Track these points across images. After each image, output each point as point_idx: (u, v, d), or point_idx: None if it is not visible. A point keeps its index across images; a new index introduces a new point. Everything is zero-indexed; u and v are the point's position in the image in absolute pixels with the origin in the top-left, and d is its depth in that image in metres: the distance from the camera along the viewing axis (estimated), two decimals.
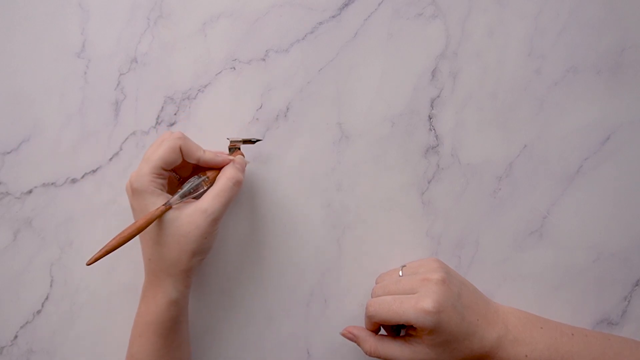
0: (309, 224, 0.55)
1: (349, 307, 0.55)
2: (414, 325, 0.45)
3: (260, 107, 0.54)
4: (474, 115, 0.54)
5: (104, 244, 0.54)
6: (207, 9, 0.54)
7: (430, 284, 0.46)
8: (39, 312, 0.55)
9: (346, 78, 0.54)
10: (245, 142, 0.52)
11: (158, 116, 0.55)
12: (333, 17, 0.54)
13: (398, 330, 0.51)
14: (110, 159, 0.55)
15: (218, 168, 0.50)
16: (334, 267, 0.55)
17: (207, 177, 0.49)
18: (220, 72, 0.54)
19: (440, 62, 0.54)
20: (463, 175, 0.54)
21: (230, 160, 0.50)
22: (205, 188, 0.49)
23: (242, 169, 0.50)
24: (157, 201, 0.47)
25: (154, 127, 0.55)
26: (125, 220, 0.55)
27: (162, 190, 0.48)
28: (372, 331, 0.50)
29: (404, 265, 0.51)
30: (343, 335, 0.51)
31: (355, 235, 0.55)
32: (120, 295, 0.55)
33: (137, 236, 0.48)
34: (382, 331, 0.51)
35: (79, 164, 0.55)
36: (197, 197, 0.48)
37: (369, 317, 0.49)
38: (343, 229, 0.55)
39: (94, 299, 0.55)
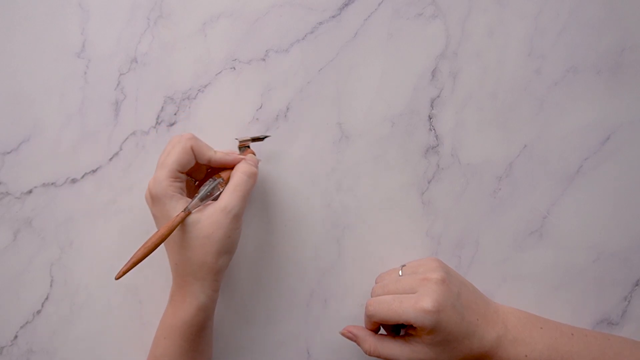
0: (309, 224, 0.55)
1: (349, 307, 0.55)
2: (414, 325, 0.45)
3: (260, 107, 0.54)
4: (474, 115, 0.54)
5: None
6: (207, 9, 0.54)
7: (430, 283, 0.46)
8: (39, 312, 0.55)
9: (346, 78, 0.54)
10: (254, 139, 0.52)
11: (158, 116, 0.55)
12: (333, 17, 0.54)
13: (398, 330, 0.51)
14: (110, 159, 0.55)
15: (231, 168, 0.50)
16: (334, 267, 0.55)
17: (222, 179, 0.49)
18: (220, 72, 0.54)
19: (440, 62, 0.54)
20: (463, 175, 0.54)
21: (242, 159, 0.50)
22: (221, 189, 0.49)
23: (255, 164, 0.50)
24: (177, 206, 0.47)
25: (154, 127, 0.55)
26: (125, 221, 0.55)
27: (181, 194, 0.48)
28: (372, 331, 0.50)
29: (404, 265, 0.51)
30: (343, 334, 0.51)
31: (355, 235, 0.55)
32: (120, 295, 0.55)
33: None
34: (382, 331, 0.51)
35: (79, 164, 0.55)
36: (216, 199, 0.48)
37: (368, 317, 0.49)
38: (343, 229, 0.55)
39: (94, 299, 0.55)
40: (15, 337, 0.55)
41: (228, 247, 0.47)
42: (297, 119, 0.54)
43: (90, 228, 0.55)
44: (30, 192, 0.55)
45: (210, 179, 0.49)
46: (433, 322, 0.45)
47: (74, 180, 0.55)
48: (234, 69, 0.54)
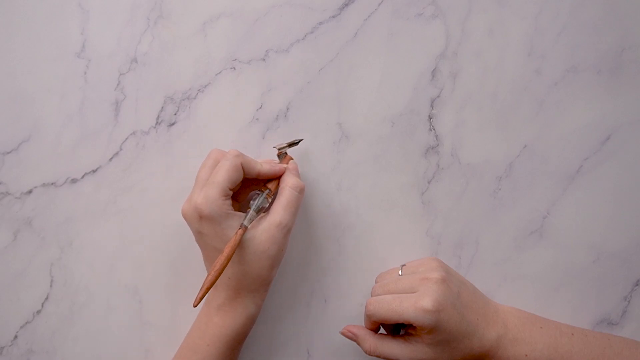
0: (309, 223, 0.55)
1: (349, 307, 0.55)
2: (414, 324, 0.45)
3: (260, 107, 0.54)
4: (474, 115, 0.54)
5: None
6: (207, 9, 0.54)
7: (430, 282, 0.46)
8: (39, 312, 0.55)
9: (346, 78, 0.54)
10: (291, 145, 0.52)
11: (158, 116, 0.55)
12: (333, 17, 0.54)
13: (398, 330, 0.51)
14: (110, 159, 0.55)
15: (275, 178, 0.50)
16: (334, 267, 0.55)
17: (270, 189, 0.50)
18: (220, 72, 0.54)
19: (440, 62, 0.54)
20: (463, 175, 0.54)
21: (285, 167, 0.51)
22: (270, 200, 0.49)
23: (298, 173, 0.51)
24: (233, 224, 0.47)
25: (154, 127, 0.55)
26: (125, 221, 0.55)
27: (232, 210, 0.48)
28: (372, 330, 0.51)
29: (404, 265, 0.51)
30: (343, 334, 0.51)
31: (355, 235, 0.55)
32: (120, 295, 0.55)
33: (198, 246, 0.50)
34: (382, 330, 0.51)
35: (79, 164, 0.55)
36: (266, 211, 0.49)
37: (368, 316, 0.49)
38: (343, 229, 0.55)
39: (94, 299, 0.55)
40: (15, 337, 0.55)
41: (280, 260, 0.49)
42: (297, 119, 0.54)
43: (90, 228, 0.55)
44: (30, 192, 0.55)
45: (258, 191, 0.49)
46: (433, 322, 0.45)
47: (74, 180, 0.55)
48: (234, 69, 0.54)
